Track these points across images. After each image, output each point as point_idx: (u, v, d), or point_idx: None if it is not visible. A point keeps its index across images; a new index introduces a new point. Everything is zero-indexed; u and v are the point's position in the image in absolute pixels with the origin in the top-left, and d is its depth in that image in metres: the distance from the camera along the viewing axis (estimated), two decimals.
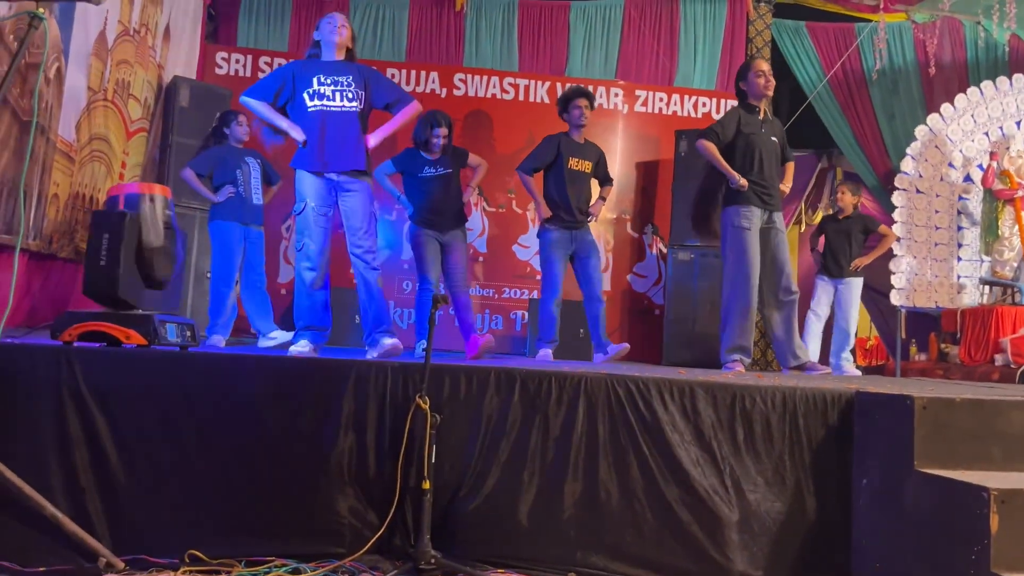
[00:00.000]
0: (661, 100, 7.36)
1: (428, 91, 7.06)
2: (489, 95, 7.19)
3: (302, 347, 3.35)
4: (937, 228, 7.06)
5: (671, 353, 6.23)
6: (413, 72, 7.15)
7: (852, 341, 6.01)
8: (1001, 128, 7.12)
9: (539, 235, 4.96)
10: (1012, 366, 5.96)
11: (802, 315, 5.40)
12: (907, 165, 7.05)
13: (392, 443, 2.45)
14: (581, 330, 5.93)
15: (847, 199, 6.02)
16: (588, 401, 2.49)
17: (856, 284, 6.00)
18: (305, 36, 7.47)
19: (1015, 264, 6.82)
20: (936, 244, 7.04)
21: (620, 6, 7.67)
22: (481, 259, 6.95)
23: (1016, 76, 7.15)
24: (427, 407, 2.40)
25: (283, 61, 7.05)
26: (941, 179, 7.10)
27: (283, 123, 3.56)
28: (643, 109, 7.26)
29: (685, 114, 7.32)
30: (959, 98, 7.13)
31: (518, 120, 7.01)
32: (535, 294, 6.90)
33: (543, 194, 4.95)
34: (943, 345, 6.92)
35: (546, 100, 7.23)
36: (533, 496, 2.45)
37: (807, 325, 6.01)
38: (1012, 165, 6.89)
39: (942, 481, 2.00)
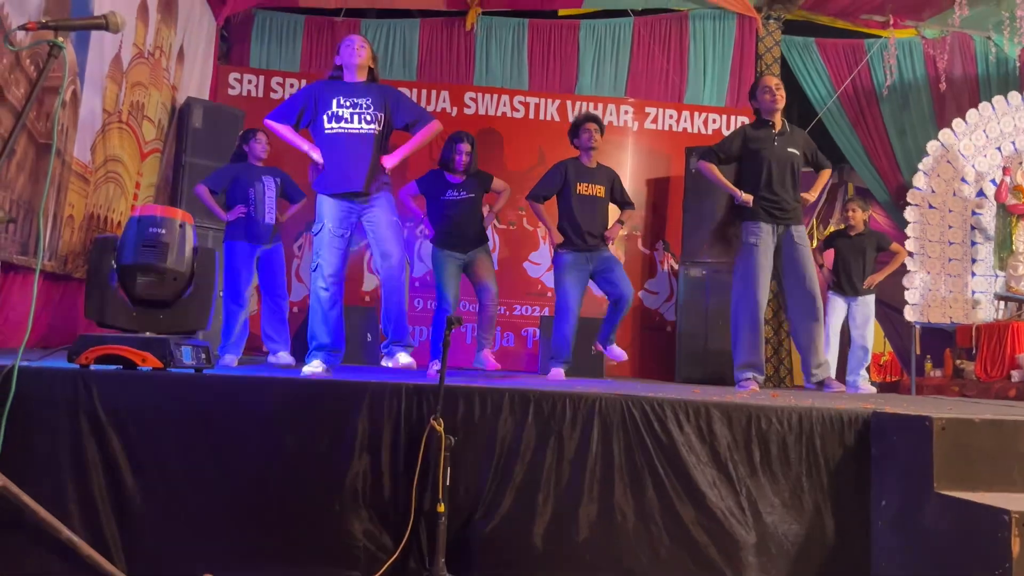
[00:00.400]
0: (671, 117, 7.38)
1: (439, 110, 7.11)
2: (499, 113, 7.23)
3: (314, 368, 3.36)
4: (951, 243, 7.02)
5: (683, 370, 6.21)
6: (424, 91, 7.20)
7: (869, 359, 5.97)
8: (1013, 143, 7.09)
9: (554, 260, 4.91)
10: None
11: None
12: (919, 180, 7.04)
13: (407, 465, 2.45)
14: (593, 348, 5.93)
15: (858, 216, 5.97)
16: (603, 422, 2.48)
17: (870, 301, 5.97)
18: (316, 57, 7.55)
19: None
20: (950, 259, 7.00)
21: (629, 24, 7.71)
22: None
23: None
24: (441, 429, 2.39)
25: (294, 81, 7.13)
26: (954, 194, 7.07)
27: (303, 145, 3.60)
28: (653, 126, 7.29)
29: (695, 131, 7.34)
30: (970, 113, 7.12)
31: (528, 138, 7.05)
32: (546, 311, 6.90)
33: (557, 220, 4.91)
34: (958, 361, 6.87)
35: (556, 118, 7.26)
36: (548, 518, 2.43)
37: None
38: None
39: (961, 503, 1.98)
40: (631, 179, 7.02)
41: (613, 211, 4.96)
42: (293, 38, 7.57)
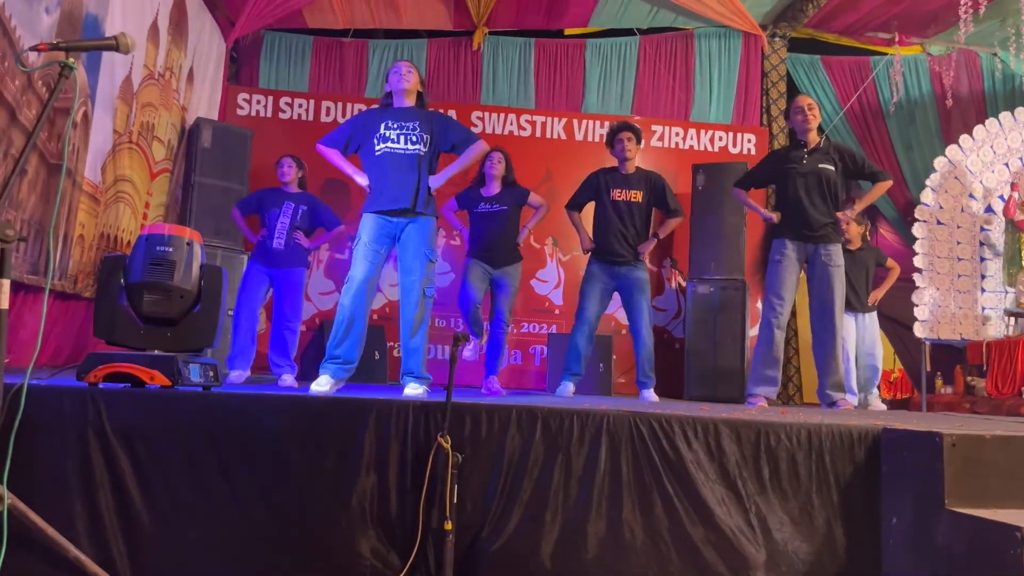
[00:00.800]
0: (677, 135, 7.41)
1: None
2: (506, 132, 7.28)
3: (321, 385, 3.36)
4: (959, 259, 7.00)
5: (692, 387, 6.19)
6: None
7: (879, 377, 5.93)
8: (1021, 159, 7.08)
9: (586, 267, 4.92)
10: None
11: None
12: (927, 196, 7.03)
13: (414, 483, 2.44)
14: (601, 364, 5.92)
15: (853, 230, 5.88)
16: (611, 439, 2.47)
17: (875, 317, 5.95)
18: (324, 77, 7.62)
19: None
20: (959, 276, 6.98)
21: (635, 43, 7.76)
22: None
23: None
24: (448, 446, 2.39)
25: (303, 101, 7.19)
26: (962, 210, 7.06)
27: (348, 169, 3.73)
28: (659, 144, 7.31)
29: (702, 148, 7.36)
30: (977, 129, 7.12)
31: (535, 156, 7.08)
32: (554, 329, 6.89)
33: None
34: (969, 378, 6.82)
35: (562, 136, 7.30)
36: (556, 536, 2.42)
37: None
38: None
39: (973, 520, 1.96)
40: None
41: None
42: (302, 59, 7.64)
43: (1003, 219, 7.03)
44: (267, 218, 4.92)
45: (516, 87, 7.69)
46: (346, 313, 3.46)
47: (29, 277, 4.04)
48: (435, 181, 3.63)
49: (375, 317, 6.85)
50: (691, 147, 7.37)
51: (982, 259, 7.08)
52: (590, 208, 4.94)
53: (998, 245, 7.06)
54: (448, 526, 2.34)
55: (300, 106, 7.18)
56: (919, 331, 6.90)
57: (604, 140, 5.09)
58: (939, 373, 7.25)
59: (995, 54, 7.59)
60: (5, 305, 1.79)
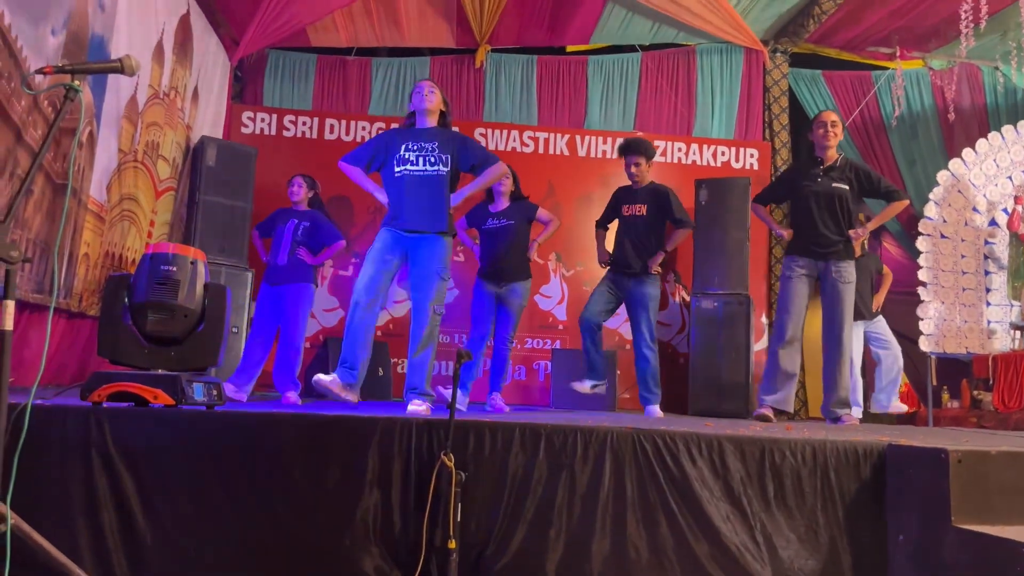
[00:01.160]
0: (680, 150, 7.43)
1: None
2: (509, 148, 7.30)
3: (325, 378, 3.38)
4: (964, 273, 6.99)
5: (697, 402, 6.17)
6: None
7: (901, 378, 5.92)
8: None
9: None
10: None
11: None
12: (930, 210, 7.03)
13: (417, 501, 2.43)
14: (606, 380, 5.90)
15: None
16: (615, 457, 2.46)
17: (882, 318, 5.95)
18: (328, 95, 7.67)
19: None
20: (964, 289, 6.96)
21: (637, 60, 7.80)
22: None
23: None
24: (452, 464, 2.38)
25: (307, 119, 7.23)
26: (966, 224, 7.05)
27: (370, 187, 3.80)
28: (662, 159, 7.33)
29: (704, 163, 7.39)
30: (980, 143, 7.12)
31: (538, 172, 7.10)
32: (558, 344, 6.89)
33: None
34: (976, 392, 6.79)
35: (565, 152, 7.32)
36: (560, 554, 2.40)
37: None
38: None
39: (980, 537, 1.95)
40: None
41: None
42: (305, 77, 7.69)
43: (1007, 232, 7.02)
44: (274, 236, 4.97)
45: (519, 104, 7.72)
46: (354, 317, 3.51)
47: (34, 296, 4.05)
48: (452, 200, 3.68)
49: (379, 334, 6.85)
50: (694, 162, 7.39)
51: (987, 272, 7.07)
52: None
53: (1002, 258, 7.05)
54: (452, 544, 2.34)
55: (304, 124, 7.22)
56: (924, 345, 6.88)
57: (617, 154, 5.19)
58: (945, 387, 7.22)
59: (997, 68, 7.60)
60: (9, 326, 1.79)
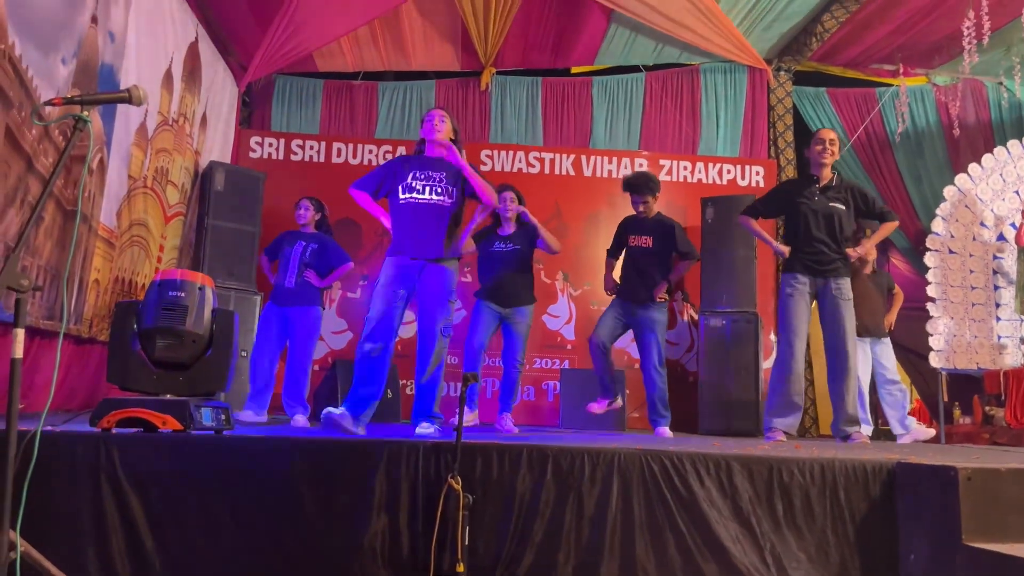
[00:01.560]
0: (685, 169, 7.45)
1: None
2: (515, 169, 7.34)
3: (337, 413, 3.36)
4: (973, 288, 6.95)
5: (706, 421, 6.14)
6: None
7: (908, 397, 5.87)
8: None
9: None
10: None
11: None
12: (938, 226, 7.01)
13: (425, 524, 2.43)
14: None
15: (869, 255, 5.86)
16: (622, 478, 2.46)
17: (889, 341, 5.91)
18: (335, 119, 7.73)
19: None
20: (973, 304, 6.93)
21: (641, 80, 7.84)
22: None
23: None
24: (459, 487, 2.38)
25: (314, 143, 7.29)
26: (974, 239, 7.03)
27: (379, 213, 3.85)
28: (668, 178, 7.35)
29: (710, 181, 7.40)
30: (986, 158, 7.11)
31: (544, 193, 7.12)
32: (566, 364, 6.89)
33: None
34: (988, 408, 6.73)
35: (571, 172, 7.35)
36: None
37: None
38: None
39: (991, 556, 1.93)
40: None
41: None
42: (313, 101, 7.76)
43: (1015, 247, 6.98)
44: (281, 258, 5.00)
45: (524, 125, 7.76)
46: (363, 351, 3.49)
47: (45, 322, 4.08)
48: (462, 236, 3.79)
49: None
50: (699, 180, 7.41)
51: (996, 287, 7.03)
52: None
53: (1011, 273, 7.01)
54: (460, 568, 2.33)
55: (312, 148, 7.28)
56: (935, 361, 6.84)
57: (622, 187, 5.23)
58: (957, 403, 7.16)
59: (1001, 83, 7.61)
60: (19, 354, 1.81)
